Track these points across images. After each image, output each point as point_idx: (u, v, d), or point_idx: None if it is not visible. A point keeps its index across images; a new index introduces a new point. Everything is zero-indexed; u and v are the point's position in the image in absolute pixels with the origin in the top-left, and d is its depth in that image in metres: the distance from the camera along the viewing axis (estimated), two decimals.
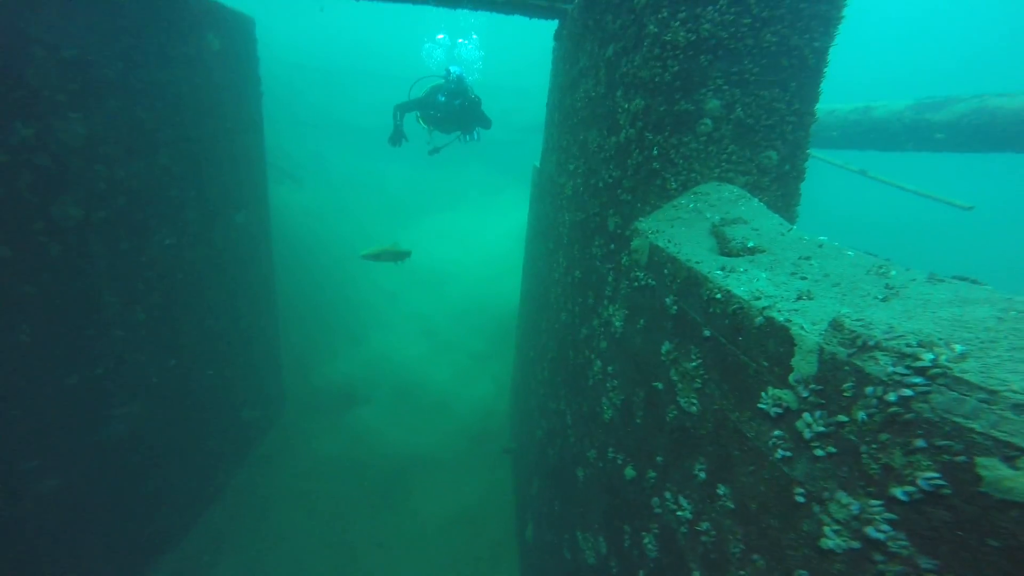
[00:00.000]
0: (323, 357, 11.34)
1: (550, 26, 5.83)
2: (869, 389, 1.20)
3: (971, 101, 6.35)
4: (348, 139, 24.58)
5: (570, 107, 4.97)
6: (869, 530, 1.21)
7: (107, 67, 4.66)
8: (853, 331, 1.27)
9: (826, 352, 1.36)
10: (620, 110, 3.45)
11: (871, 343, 1.20)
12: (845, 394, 1.29)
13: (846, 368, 1.29)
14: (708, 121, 2.79)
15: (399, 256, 9.36)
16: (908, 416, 1.11)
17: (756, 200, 2.78)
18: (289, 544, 7.06)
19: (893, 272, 1.65)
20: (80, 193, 4.53)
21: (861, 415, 1.23)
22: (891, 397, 1.13)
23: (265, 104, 8.44)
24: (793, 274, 1.88)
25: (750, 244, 2.18)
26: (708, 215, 2.71)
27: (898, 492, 1.13)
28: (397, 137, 8.43)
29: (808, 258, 1.96)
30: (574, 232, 4.68)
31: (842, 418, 1.31)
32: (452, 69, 8.21)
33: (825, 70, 2.69)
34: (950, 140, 6.25)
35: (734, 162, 2.85)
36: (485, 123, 8.57)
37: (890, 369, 1.14)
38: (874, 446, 1.20)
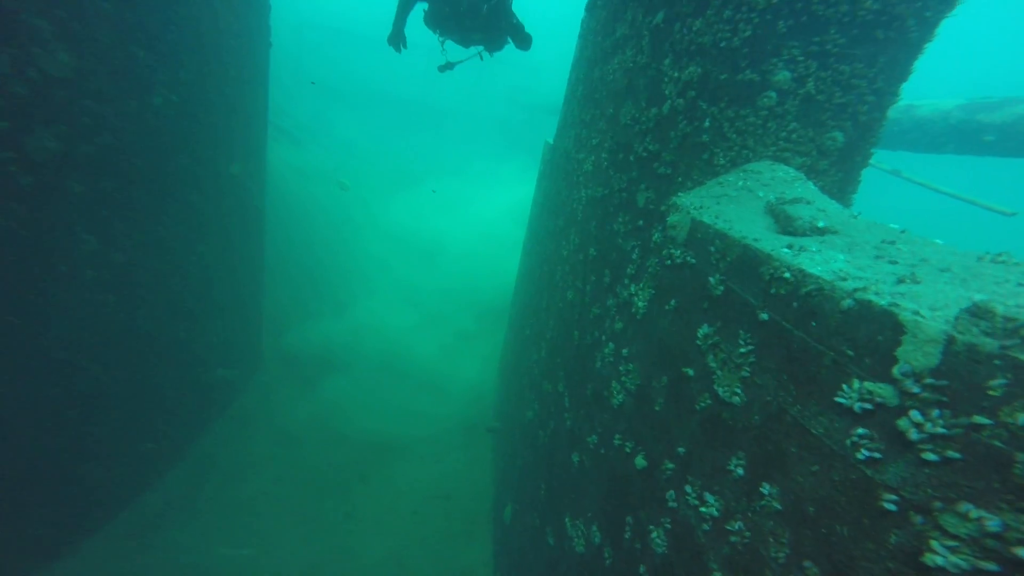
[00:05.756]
0: (306, 320, 11.01)
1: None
2: None
3: None
4: (354, 102, 23.93)
5: (600, 80, 4.71)
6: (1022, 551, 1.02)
7: None
8: (1013, 318, 1.07)
9: (959, 342, 1.16)
10: (667, 79, 3.21)
11: None
12: (992, 392, 1.09)
13: (996, 362, 1.08)
14: (773, 94, 2.56)
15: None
16: None
17: (812, 183, 2.57)
18: (255, 510, 6.80)
19: (1019, 259, 1.46)
20: (61, 126, 4.15)
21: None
22: None
23: (271, 58, 8.00)
24: (879, 258, 1.68)
25: (820, 224, 1.97)
26: (761, 194, 2.50)
27: None
28: (396, 39, 6.30)
29: (893, 242, 1.76)
30: (591, 208, 4.45)
31: (981, 420, 1.11)
32: None
33: (927, 45, 2.45)
34: (1002, 143, 6.09)
35: (793, 141, 2.63)
36: (521, 38, 5.93)
37: None
38: None
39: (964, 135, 6.48)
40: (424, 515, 7.24)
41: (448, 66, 6.76)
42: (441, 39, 6.27)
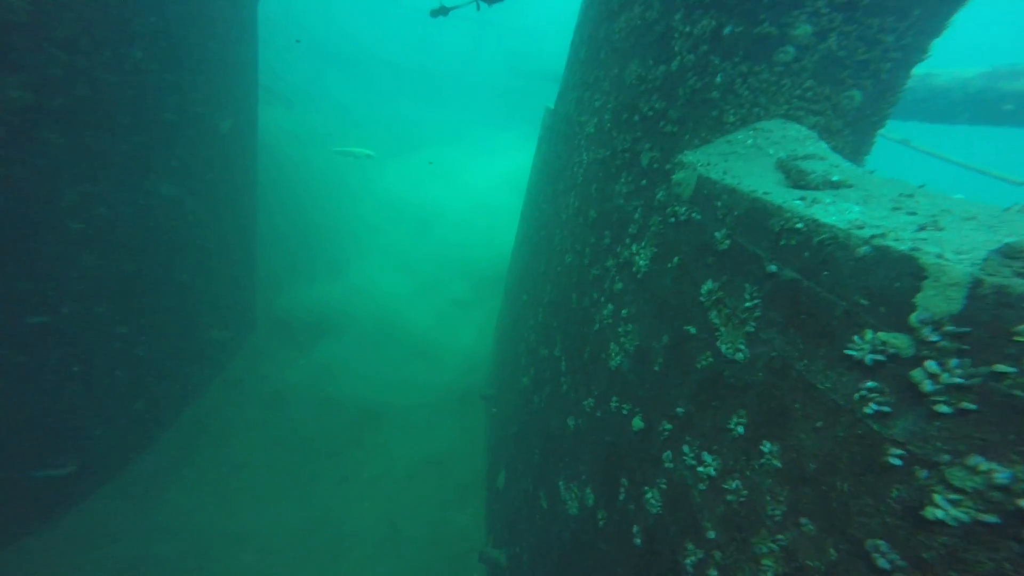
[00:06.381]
0: (300, 283, 10.90)
1: None
2: None
3: None
4: (349, 66, 23.39)
5: (604, 39, 4.55)
6: None
7: None
8: None
9: (987, 284, 1.10)
10: (677, 34, 3.08)
11: None
12: (1019, 338, 1.03)
13: None
14: (791, 49, 2.44)
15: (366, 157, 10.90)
16: None
17: (824, 143, 2.48)
18: (249, 471, 6.80)
19: None
20: (28, 75, 3.96)
21: None
22: None
23: (260, 19, 7.70)
24: (897, 209, 1.61)
25: (834, 178, 1.89)
26: (771, 151, 2.41)
27: None
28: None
29: (911, 196, 1.69)
30: (593, 171, 4.35)
31: (1004, 368, 1.06)
32: None
33: None
34: (1022, 112, 5.93)
35: (808, 100, 2.53)
36: None
37: None
38: None
39: (982, 104, 6.32)
40: (418, 480, 7.29)
41: (442, 11, 6.39)
42: None
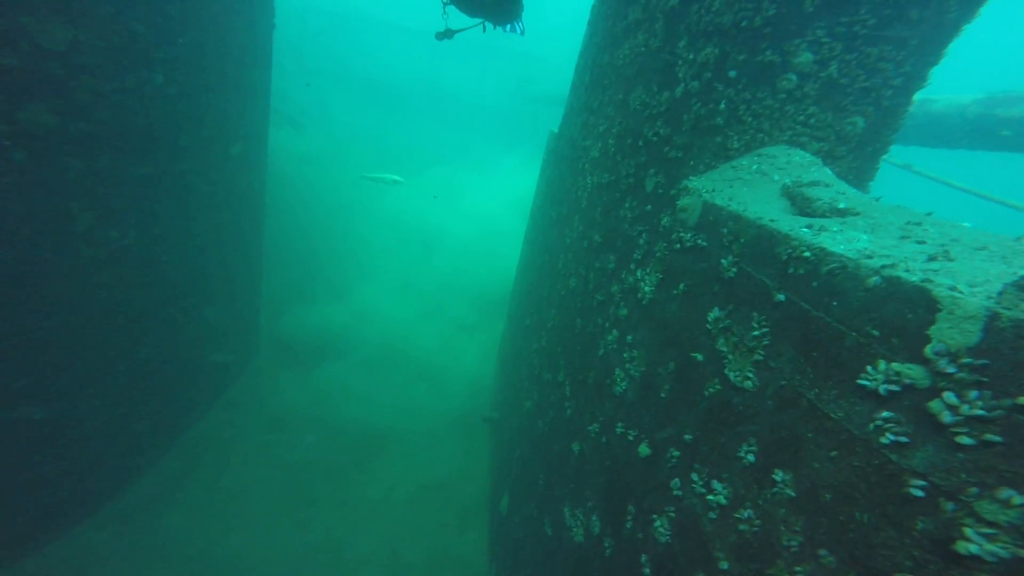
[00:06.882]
0: (302, 305, 10.90)
1: None
2: None
3: None
4: (355, 89, 23.82)
5: (608, 65, 4.63)
6: None
7: None
8: None
9: (1004, 318, 1.09)
10: (680, 62, 3.14)
11: None
12: None
13: None
14: (793, 76, 2.48)
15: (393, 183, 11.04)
16: None
17: (828, 169, 2.50)
18: (248, 495, 6.72)
19: None
20: (57, 101, 4.04)
21: None
22: None
23: (274, 41, 7.87)
24: (905, 238, 1.61)
25: (840, 205, 1.90)
26: (776, 177, 2.43)
27: None
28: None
29: (919, 224, 1.70)
30: (597, 195, 4.38)
31: None
32: None
33: (967, 25, 2.36)
34: (1020, 138, 6.00)
35: (811, 126, 2.56)
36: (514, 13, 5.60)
37: None
38: None
39: (980, 130, 6.41)
40: (419, 504, 7.18)
41: (447, 34, 6.25)
42: (445, 2, 5.72)
